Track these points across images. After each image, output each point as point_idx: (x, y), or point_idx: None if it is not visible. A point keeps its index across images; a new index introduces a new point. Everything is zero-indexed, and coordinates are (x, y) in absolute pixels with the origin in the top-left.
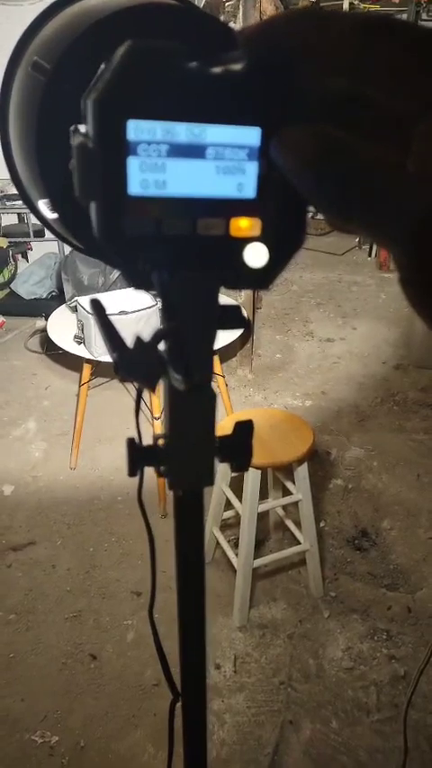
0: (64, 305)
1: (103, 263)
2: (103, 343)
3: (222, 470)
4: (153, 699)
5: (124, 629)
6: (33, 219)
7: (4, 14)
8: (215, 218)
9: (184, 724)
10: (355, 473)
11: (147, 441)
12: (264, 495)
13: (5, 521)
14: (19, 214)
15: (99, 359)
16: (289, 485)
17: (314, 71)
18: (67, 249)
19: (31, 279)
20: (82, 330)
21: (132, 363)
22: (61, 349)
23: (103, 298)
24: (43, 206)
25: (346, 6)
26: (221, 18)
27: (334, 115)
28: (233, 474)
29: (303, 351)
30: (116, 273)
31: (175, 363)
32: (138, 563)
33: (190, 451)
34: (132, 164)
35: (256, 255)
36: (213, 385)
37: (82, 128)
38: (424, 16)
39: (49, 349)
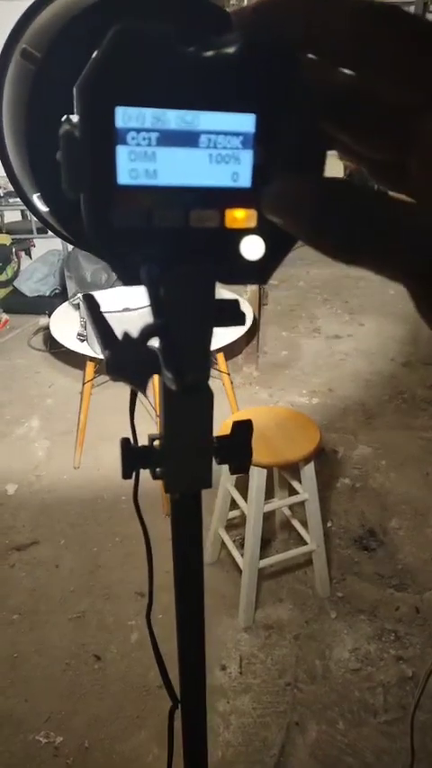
0: (67, 302)
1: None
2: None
3: (228, 469)
4: (157, 700)
5: (128, 630)
6: None
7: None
8: (209, 210)
9: (183, 727)
10: (363, 472)
11: (146, 441)
12: (270, 494)
13: (9, 520)
14: (22, 211)
15: (102, 356)
16: (295, 484)
17: (314, 60)
18: (71, 246)
19: (34, 276)
20: (85, 328)
21: (121, 362)
22: (64, 347)
23: (106, 294)
24: (38, 200)
25: None
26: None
27: (334, 107)
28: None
29: (310, 347)
30: None
31: (166, 362)
32: (142, 563)
33: (186, 453)
34: (121, 152)
35: (252, 248)
36: (212, 384)
37: (74, 118)
38: None
39: (53, 347)
